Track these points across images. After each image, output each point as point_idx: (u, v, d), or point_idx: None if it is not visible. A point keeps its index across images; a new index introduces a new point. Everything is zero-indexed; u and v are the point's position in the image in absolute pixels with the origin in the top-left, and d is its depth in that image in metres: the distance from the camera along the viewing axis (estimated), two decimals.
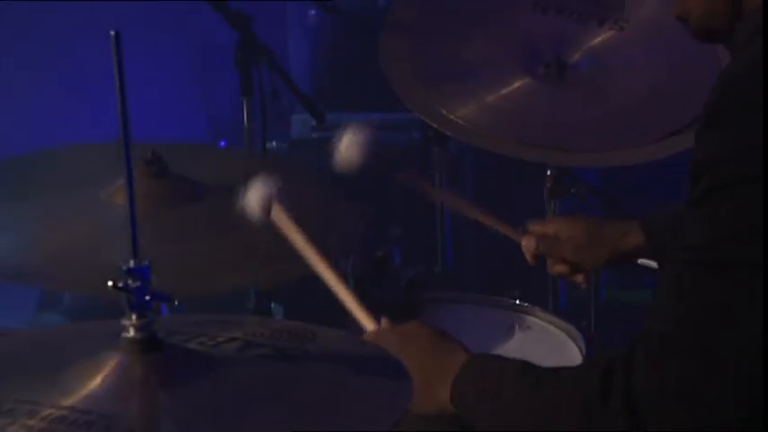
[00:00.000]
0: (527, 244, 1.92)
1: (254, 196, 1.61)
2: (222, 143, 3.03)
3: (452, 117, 2.01)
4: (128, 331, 1.09)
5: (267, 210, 1.60)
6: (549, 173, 2.13)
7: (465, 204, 2.05)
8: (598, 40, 2.09)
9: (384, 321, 1.55)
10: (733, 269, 1.13)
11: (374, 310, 1.59)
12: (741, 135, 1.13)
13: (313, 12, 3.34)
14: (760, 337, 1.12)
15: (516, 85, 2.04)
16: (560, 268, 1.91)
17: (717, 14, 1.28)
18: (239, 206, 1.61)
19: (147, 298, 1.09)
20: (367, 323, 1.55)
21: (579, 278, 1.91)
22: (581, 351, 1.85)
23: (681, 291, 1.18)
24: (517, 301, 2.00)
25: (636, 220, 1.87)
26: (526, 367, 1.37)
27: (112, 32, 1.05)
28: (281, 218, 1.61)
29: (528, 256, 1.93)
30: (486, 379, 1.37)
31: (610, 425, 1.20)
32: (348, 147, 1.69)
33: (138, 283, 1.09)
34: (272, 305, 2.47)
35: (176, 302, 1.92)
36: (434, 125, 2.07)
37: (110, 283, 1.08)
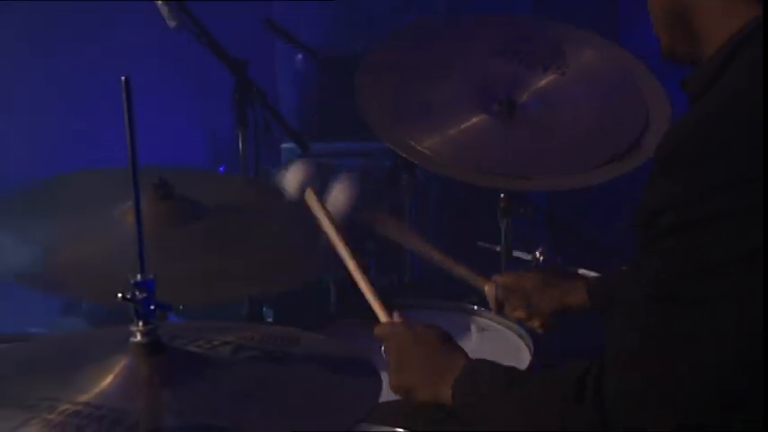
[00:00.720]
0: (489, 291, 1.90)
1: (293, 177, 1.56)
2: (221, 168, 3.02)
3: (419, 148, 2.00)
4: (135, 336, 1.09)
5: (302, 191, 1.56)
6: (502, 195, 2.12)
7: (430, 251, 1.99)
8: (543, 82, 2.10)
9: (396, 315, 1.53)
10: (691, 299, 1.11)
11: (355, 313, 1.58)
12: (700, 179, 1.10)
13: (300, 56, 3.34)
14: (715, 352, 1.10)
15: (474, 120, 2.04)
16: (517, 313, 1.90)
17: (678, 44, 1.27)
18: (278, 184, 1.56)
19: (152, 307, 1.08)
20: (381, 314, 1.53)
21: (535, 323, 1.89)
22: (530, 349, 1.85)
23: (645, 312, 1.15)
24: (475, 306, 2.00)
25: (582, 281, 1.86)
26: (513, 372, 1.38)
27: (123, 78, 1.05)
28: (312, 201, 1.57)
29: (490, 303, 1.91)
30: (481, 381, 1.37)
31: (583, 421, 1.20)
32: (336, 198, 1.66)
33: (145, 295, 1.08)
34: (264, 309, 2.46)
35: (181, 307, 1.92)
36: (403, 155, 2.06)
37: (119, 295, 1.08)
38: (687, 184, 1.10)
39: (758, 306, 1.08)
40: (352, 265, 1.56)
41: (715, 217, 1.08)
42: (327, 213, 1.58)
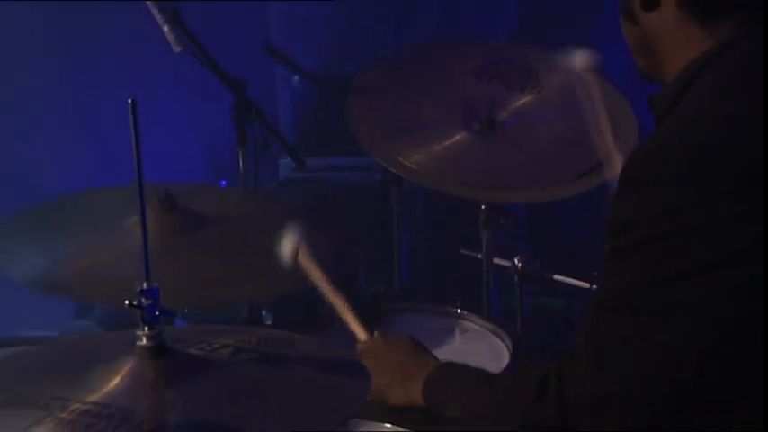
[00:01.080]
0: None
1: (287, 246, 1.60)
2: (223, 183, 3.01)
3: (406, 162, 2.01)
4: (141, 340, 1.09)
5: (295, 255, 1.60)
6: (483, 207, 2.12)
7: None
8: (521, 102, 2.11)
9: (376, 334, 1.55)
10: (653, 310, 1.11)
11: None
12: (664, 196, 1.10)
13: (296, 78, 3.34)
14: (670, 360, 1.10)
15: (457, 137, 2.05)
16: None
17: (649, 68, 1.29)
18: (275, 252, 1.59)
19: (157, 313, 1.08)
20: (361, 334, 1.55)
21: None
22: (508, 349, 1.85)
23: (609, 321, 1.16)
24: (458, 310, 2.00)
25: None
26: (481, 374, 1.39)
27: (130, 100, 1.05)
28: (305, 259, 1.60)
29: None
30: (452, 381, 1.38)
31: (544, 418, 1.21)
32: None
33: (150, 302, 1.08)
34: (263, 313, 2.45)
35: (186, 311, 1.92)
36: (392, 169, 2.06)
37: (126, 302, 1.08)
38: (652, 201, 1.11)
39: (719, 315, 1.08)
40: (337, 300, 1.59)
41: (678, 232, 1.09)
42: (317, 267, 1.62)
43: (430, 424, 1.41)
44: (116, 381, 1.06)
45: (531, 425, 1.22)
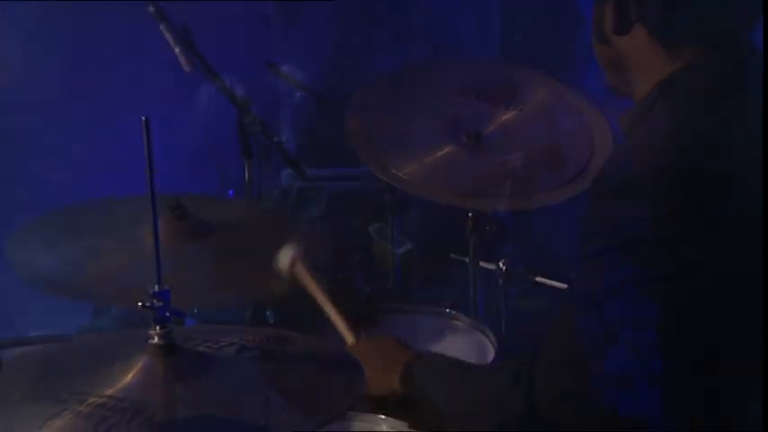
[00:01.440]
0: None
1: (284, 260, 1.64)
2: (230, 193, 3.02)
3: (399, 173, 2.02)
4: (153, 339, 1.10)
5: (292, 268, 1.63)
6: (470, 214, 2.13)
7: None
8: (505, 117, 2.12)
9: (362, 338, 1.56)
10: (613, 311, 1.12)
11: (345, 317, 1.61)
12: (629, 208, 1.11)
13: (298, 94, 3.35)
14: (641, 360, 1.11)
15: (446, 150, 2.06)
16: None
17: (619, 86, 1.30)
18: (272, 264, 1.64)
19: (168, 314, 1.09)
20: (348, 338, 1.56)
21: None
22: (493, 346, 1.86)
23: (573, 323, 1.17)
24: (447, 310, 2.01)
25: None
26: (459, 363, 1.41)
27: (143, 118, 1.06)
28: (300, 271, 1.64)
29: None
30: (430, 369, 1.40)
31: (515, 407, 1.22)
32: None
33: (161, 303, 1.09)
34: (267, 313, 2.45)
35: (195, 311, 1.93)
36: (386, 179, 2.07)
37: (139, 303, 1.08)
38: (621, 212, 1.12)
39: (686, 318, 1.09)
40: (330, 308, 1.60)
41: (649, 240, 1.10)
42: (313, 276, 1.64)
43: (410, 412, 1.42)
44: (130, 376, 1.07)
45: (505, 412, 1.23)
